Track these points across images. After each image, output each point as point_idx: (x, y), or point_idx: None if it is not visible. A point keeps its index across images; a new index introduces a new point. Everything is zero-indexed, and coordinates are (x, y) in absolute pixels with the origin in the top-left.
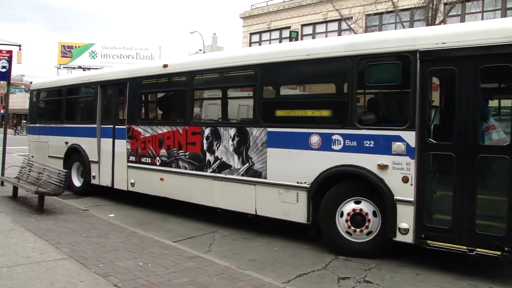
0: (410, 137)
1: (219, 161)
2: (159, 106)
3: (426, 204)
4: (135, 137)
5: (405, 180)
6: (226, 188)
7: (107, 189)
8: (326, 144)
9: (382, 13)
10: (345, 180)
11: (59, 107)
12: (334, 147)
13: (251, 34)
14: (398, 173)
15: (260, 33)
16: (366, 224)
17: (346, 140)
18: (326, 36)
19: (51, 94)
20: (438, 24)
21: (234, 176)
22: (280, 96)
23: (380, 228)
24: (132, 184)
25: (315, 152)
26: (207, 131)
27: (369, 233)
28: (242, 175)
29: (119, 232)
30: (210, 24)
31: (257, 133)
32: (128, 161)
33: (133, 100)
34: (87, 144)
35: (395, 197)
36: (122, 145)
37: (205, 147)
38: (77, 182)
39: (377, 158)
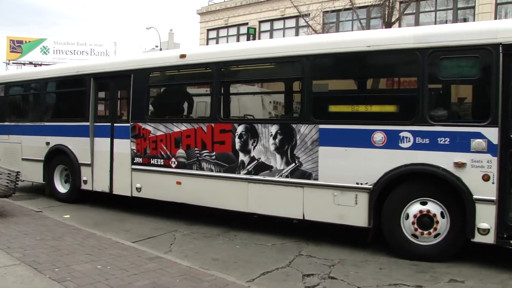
0: (492, 133)
1: (256, 161)
2: (174, 101)
3: (509, 203)
4: (142, 136)
5: (485, 178)
6: (265, 192)
7: (103, 195)
8: (392, 142)
9: (339, 10)
10: (411, 180)
11: (37, 103)
12: (402, 144)
13: (209, 30)
14: (478, 171)
15: (217, 29)
16: (434, 226)
17: (417, 138)
18: (283, 34)
19: (25, 88)
20: (393, 22)
21: (276, 178)
22: (334, 90)
23: (449, 230)
24: (138, 189)
25: (379, 150)
26: (240, 129)
27: (436, 235)
28: (287, 176)
29: (76, 234)
30: (167, 20)
31: (305, 131)
32: (133, 163)
33: (139, 94)
34: (76, 145)
35: (474, 196)
36: (125, 145)
37: (237, 146)
38: (61, 188)
39: (453, 156)
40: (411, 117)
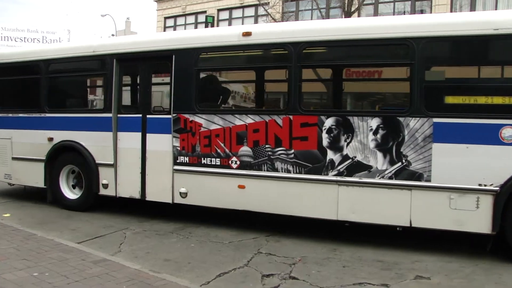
0: None
1: (349, 160)
2: (234, 89)
3: None
4: (190, 130)
5: None
6: (361, 196)
7: (131, 202)
8: None
9: None
10: None
11: (35, 89)
12: None
13: (166, 18)
14: None
15: (175, 17)
16: None
17: None
18: (242, 23)
19: (18, 71)
20: (353, 12)
21: (377, 180)
22: (453, 79)
23: None
24: (183, 195)
25: (508, 148)
26: (330, 122)
27: None
28: (390, 177)
29: (13, 236)
30: (123, 7)
31: (416, 125)
32: (176, 163)
33: (185, 80)
34: (93, 141)
35: None
36: (164, 142)
37: (325, 143)
38: (68, 193)
39: None
40: None
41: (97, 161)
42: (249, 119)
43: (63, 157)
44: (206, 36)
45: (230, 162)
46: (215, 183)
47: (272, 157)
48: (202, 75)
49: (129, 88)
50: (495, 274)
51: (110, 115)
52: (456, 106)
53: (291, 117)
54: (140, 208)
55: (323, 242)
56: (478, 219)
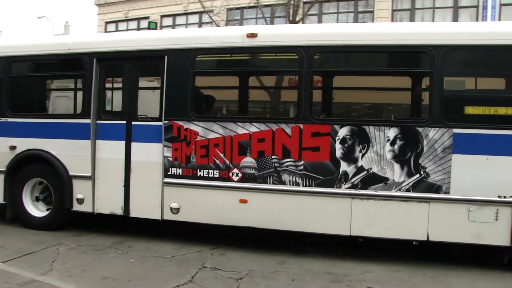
0: None
1: (364, 172)
2: (235, 94)
3: None
4: (184, 139)
5: None
6: (376, 209)
7: (110, 219)
8: None
9: (244, 7)
10: None
11: None
12: None
13: (107, 23)
14: None
15: (116, 22)
16: None
17: None
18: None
19: None
20: (297, 22)
21: (393, 193)
22: (474, 89)
23: None
24: (175, 210)
25: None
26: (344, 132)
27: None
28: (407, 190)
29: None
30: (61, 10)
31: (435, 135)
32: (167, 176)
33: (178, 83)
34: (66, 150)
35: None
36: (152, 151)
37: (338, 153)
38: (33, 210)
39: None
40: None
41: (70, 173)
42: (253, 128)
43: (28, 168)
44: (204, 36)
45: (230, 174)
46: (213, 197)
47: (279, 169)
48: (199, 79)
49: (111, 91)
50: (443, 283)
51: (88, 121)
52: (476, 117)
53: (301, 126)
54: (77, 221)
55: (270, 254)
56: (497, 231)
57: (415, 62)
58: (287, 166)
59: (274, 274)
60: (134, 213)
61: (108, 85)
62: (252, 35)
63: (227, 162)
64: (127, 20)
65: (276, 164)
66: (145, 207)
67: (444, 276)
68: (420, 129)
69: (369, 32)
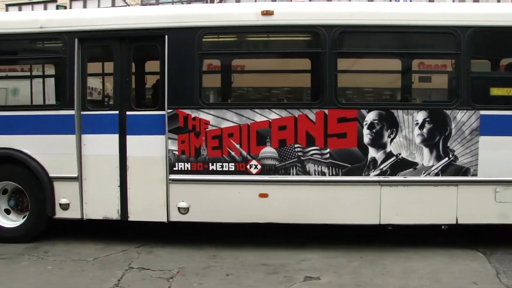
0: None
1: (393, 158)
2: (250, 78)
3: None
4: (192, 129)
5: None
6: (405, 196)
7: (101, 224)
8: None
9: None
10: None
11: None
12: None
13: (8, 5)
14: None
15: (19, 5)
16: None
17: None
18: None
19: None
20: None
21: (422, 178)
22: (501, 72)
23: None
24: (183, 210)
25: None
26: (371, 117)
27: None
28: (436, 174)
29: None
30: None
31: (463, 118)
32: (173, 172)
33: (183, 67)
34: (44, 147)
35: None
36: (153, 145)
37: (366, 139)
38: (4, 220)
39: None
40: None
41: (51, 175)
42: (273, 115)
43: None
44: (212, 13)
45: (248, 166)
46: (228, 193)
47: (302, 158)
48: (207, 61)
49: (97, 77)
50: (380, 265)
51: (71, 112)
52: (502, 98)
53: (326, 111)
54: None
55: (201, 249)
56: None
57: (442, 43)
58: (311, 155)
59: (207, 270)
60: (133, 216)
61: (93, 70)
62: (268, 13)
63: (244, 153)
64: (31, 3)
65: (299, 153)
66: (147, 208)
67: (381, 258)
68: (448, 112)
69: (395, 11)
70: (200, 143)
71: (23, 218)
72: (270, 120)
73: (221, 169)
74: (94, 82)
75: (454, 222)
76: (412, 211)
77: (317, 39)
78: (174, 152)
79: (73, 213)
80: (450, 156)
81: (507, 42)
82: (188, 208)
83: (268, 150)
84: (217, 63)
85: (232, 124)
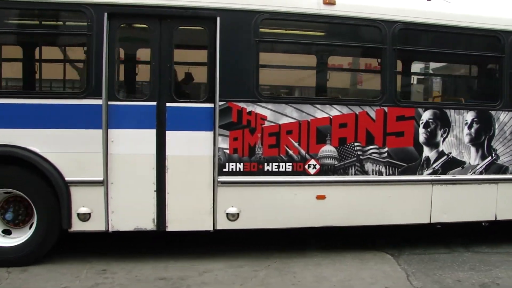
0: None
1: (445, 157)
2: (307, 70)
3: None
4: (246, 125)
5: None
6: (454, 194)
7: (127, 237)
8: None
9: None
10: None
11: None
12: None
13: None
14: None
15: None
16: None
17: None
18: None
19: None
20: None
21: (468, 176)
22: None
23: None
24: (232, 216)
25: None
26: (427, 116)
27: None
28: (480, 173)
29: None
30: None
31: (505, 118)
32: (222, 173)
33: (238, 54)
34: (60, 145)
35: None
36: (200, 143)
37: (421, 138)
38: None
39: None
40: None
41: (67, 178)
42: (334, 111)
43: None
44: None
45: (306, 166)
46: (283, 196)
47: (361, 157)
48: (265, 49)
49: (130, 61)
50: (289, 273)
51: (97, 101)
52: None
53: (385, 109)
54: None
55: (88, 262)
56: None
57: (489, 46)
58: (370, 154)
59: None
60: (172, 225)
61: (126, 52)
62: (330, 3)
63: (303, 152)
64: None
65: (359, 152)
66: (189, 216)
67: (289, 266)
68: (493, 113)
69: (449, 13)
70: (255, 140)
71: (21, 235)
72: (331, 117)
73: (277, 169)
74: (125, 67)
75: (493, 219)
76: (458, 209)
77: (379, 34)
78: (225, 150)
79: (95, 225)
80: (493, 155)
81: None
82: (238, 214)
83: (328, 149)
84: (275, 52)
85: (291, 120)
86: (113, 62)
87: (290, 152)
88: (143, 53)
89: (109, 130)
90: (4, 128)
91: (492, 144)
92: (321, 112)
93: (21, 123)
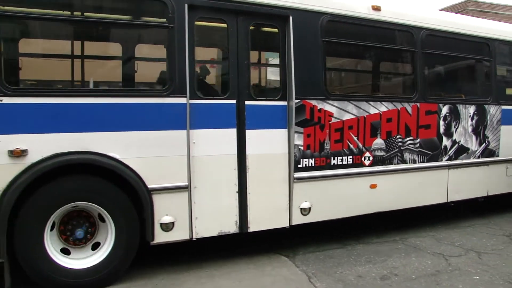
0: None
1: (456, 145)
2: (366, 70)
3: None
4: (318, 122)
5: None
6: (461, 176)
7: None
8: None
9: None
10: None
11: None
12: None
13: None
14: None
15: None
16: None
17: None
18: None
19: None
20: None
21: (471, 160)
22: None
23: None
24: (305, 211)
25: None
26: (445, 110)
27: None
28: (478, 157)
29: None
30: None
31: (493, 111)
32: (297, 169)
33: (308, 52)
34: (140, 149)
35: None
36: (276, 140)
37: (442, 129)
38: (67, 260)
39: None
40: None
41: (150, 186)
42: (383, 107)
43: (58, 187)
44: (335, 0)
45: (363, 158)
46: (345, 187)
47: (402, 148)
48: (330, 50)
49: (209, 56)
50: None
51: (182, 99)
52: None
53: (418, 104)
54: None
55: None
56: None
57: (481, 51)
58: (408, 144)
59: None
60: (254, 226)
61: (205, 46)
62: (377, 8)
63: (360, 145)
64: None
65: (400, 144)
66: (268, 214)
67: (179, 280)
68: (486, 106)
69: (458, 22)
70: (324, 136)
71: (97, 255)
72: (381, 113)
73: (341, 163)
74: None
75: (486, 194)
76: (464, 188)
77: (412, 38)
78: (299, 147)
79: (179, 234)
80: (486, 142)
81: None
82: (310, 209)
83: (379, 142)
84: (338, 52)
85: (352, 117)
86: (193, 57)
87: (351, 146)
88: (216, 51)
89: (190, 130)
90: (77, 132)
91: (485, 133)
92: (373, 109)
93: (97, 125)
